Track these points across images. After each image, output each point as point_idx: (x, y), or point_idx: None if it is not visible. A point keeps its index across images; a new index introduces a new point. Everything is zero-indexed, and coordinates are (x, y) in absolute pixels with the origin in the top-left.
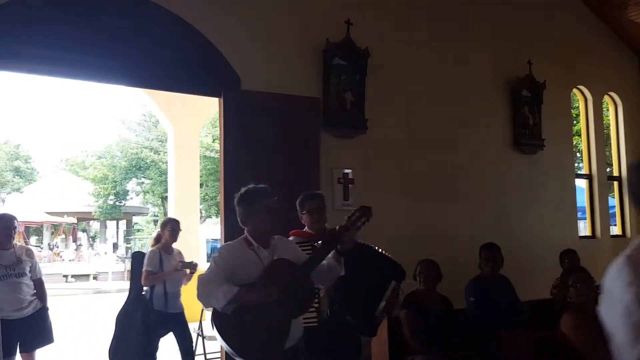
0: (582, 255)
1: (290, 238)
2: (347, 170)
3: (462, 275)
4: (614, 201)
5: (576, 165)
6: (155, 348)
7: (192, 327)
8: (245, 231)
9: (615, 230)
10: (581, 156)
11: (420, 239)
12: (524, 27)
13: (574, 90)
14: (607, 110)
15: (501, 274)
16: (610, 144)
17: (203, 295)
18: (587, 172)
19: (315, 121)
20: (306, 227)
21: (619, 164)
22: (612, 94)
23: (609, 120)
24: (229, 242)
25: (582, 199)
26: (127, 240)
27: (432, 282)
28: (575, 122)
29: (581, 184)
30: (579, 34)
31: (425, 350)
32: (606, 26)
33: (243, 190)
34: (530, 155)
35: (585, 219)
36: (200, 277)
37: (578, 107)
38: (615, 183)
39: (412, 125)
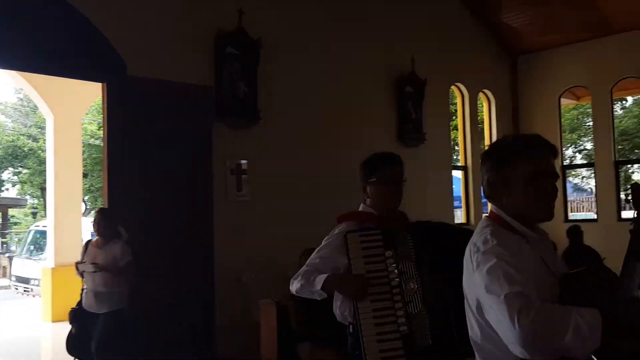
0: None
1: (342, 226)
2: (241, 161)
3: None
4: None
5: (454, 157)
6: None
7: None
8: (496, 209)
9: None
10: (458, 149)
11: (311, 229)
12: (409, 25)
13: (452, 87)
14: (482, 106)
15: None
16: (484, 137)
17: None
18: (463, 164)
19: (208, 110)
20: (365, 205)
21: None
22: (486, 91)
23: (483, 115)
24: (488, 228)
25: (459, 189)
26: (2, 235)
27: None
28: (453, 117)
29: (458, 174)
30: (458, 34)
31: (313, 337)
32: (483, 28)
33: (495, 142)
34: (413, 148)
35: (461, 207)
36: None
37: (456, 103)
38: None
39: (304, 117)
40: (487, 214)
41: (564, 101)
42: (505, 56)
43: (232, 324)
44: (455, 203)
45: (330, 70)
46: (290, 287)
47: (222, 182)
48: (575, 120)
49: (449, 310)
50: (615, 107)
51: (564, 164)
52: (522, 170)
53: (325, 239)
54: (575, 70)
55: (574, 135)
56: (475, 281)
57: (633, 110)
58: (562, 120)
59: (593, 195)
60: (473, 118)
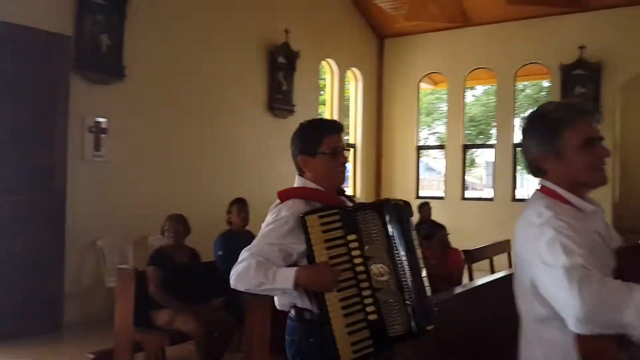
0: None
1: (286, 204)
2: (100, 119)
3: (212, 229)
4: (349, 166)
5: None
6: None
7: None
8: (549, 183)
9: (348, 191)
10: None
11: (173, 194)
12: None
13: (323, 62)
14: (349, 83)
15: (247, 230)
16: (349, 114)
17: (607, 304)
18: None
19: (65, 62)
20: (306, 180)
21: (356, 133)
22: (354, 69)
23: (349, 93)
24: (542, 201)
25: None
26: None
27: (180, 236)
28: (321, 92)
29: None
30: (332, 11)
31: (171, 305)
32: (355, 7)
33: (536, 113)
34: (282, 119)
35: None
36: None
37: (324, 78)
38: (352, 150)
39: (173, 80)
40: (537, 188)
41: (423, 85)
42: (374, 37)
43: (85, 290)
44: None
45: (203, 34)
46: (235, 284)
47: (79, 141)
48: (431, 105)
49: (426, 293)
50: (467, 94)
51: (418, 144)
52: (575, 138)
53: (267, 221)
54: (435, 57)
55: (429, 118)
56: (530, 256)
57: (481, 99)
58: (420, 103)
59: (442, 175)
60: (341, 94)
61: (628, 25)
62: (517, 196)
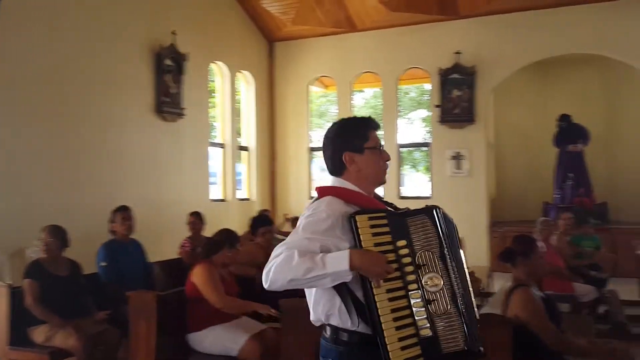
0: (213, 216)
1: (324, 201)
2: None
3: (95, 240)
4: (244, 169)
5: (212, 134)
6: None
7: None
8: None
9: (243, 194)
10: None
11: (53, 204)
12: None
13: (213, 64)
14: (241, 85)
15: (132, 238)
16: (241, 117)
17: None
18: (221, 142)
19: None
20: (345, 181)
21: (249, 136)
22: (246, 72)
23: (240, 95)
24: None
25: (216, 166)
26: None
27: (53, 249)
28: (212, 94)
29: (216, 152)
30: (219, 13)
31: (50, 319)
32: (243, 11)
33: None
34: (171, 122)
35: (217, 183)
36: None
37: (214, 80)
38: (245, 152)
39: (52, 86)
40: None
41: (315, 88)
42: (264, 41)
43: None
44: (212, 180)
45: (85, 36)
46: (274, 279)
47: None
48: (323, 107)
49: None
50: (357, 97)
51: (311, 146)
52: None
53: (304, 215)
54: (324, 61)
55: (321, 120)
56: None
57: (370, 101)
58: (313, 106)
59: None
60: (232, 97)
61: (498, 32)
62: (403, 194)
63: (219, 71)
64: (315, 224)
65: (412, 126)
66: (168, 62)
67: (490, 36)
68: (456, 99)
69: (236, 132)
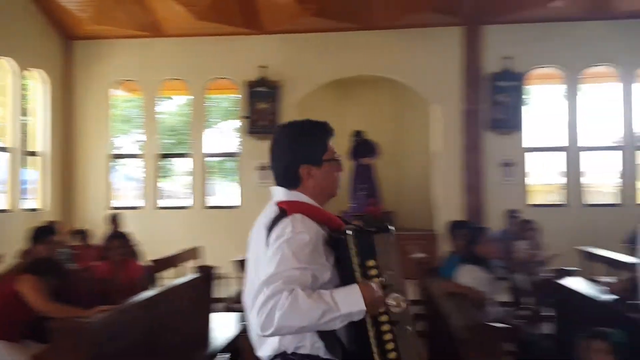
0: None
1: (293, 219)
2: None
3: None
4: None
5: None
6: None
7: None
8: None
9: (33, 203)
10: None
11: None
12: None
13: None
14: (33, 85)
15: None
16: (36, 119)
17: None
18: (7, 146)
19: None
20: (301, 194)
21: (44, 139)
22: (40, 70)
23: (32, 95)
24: None
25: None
26: None
27: None
28: None
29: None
30: (6, 3)
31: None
32: (34, 4)
33: None
34: None
35: (5, 192)
36: None
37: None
38: (38, 158)
39: None
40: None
41: (119, 92)
42: (60, 38)
43: None
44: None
45: None
46: (279, 326)
47: None
48: (129, 112)
49: None
50: (169, 104)
51: (113, 152)
52: None
53: (278, 239)
54: (128, 65)
55: (126, 126)
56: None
57: (181, 109)
58: (119, 110)
59: (141, 184)
60: (21, 96)
61: (301, 50)
62: (209, 204)
63: (6, 68)
64: (300, 249)
65: (224, 136)
66: None
67: (294, 53)
68: (262, 112)
69: (24, 136)
